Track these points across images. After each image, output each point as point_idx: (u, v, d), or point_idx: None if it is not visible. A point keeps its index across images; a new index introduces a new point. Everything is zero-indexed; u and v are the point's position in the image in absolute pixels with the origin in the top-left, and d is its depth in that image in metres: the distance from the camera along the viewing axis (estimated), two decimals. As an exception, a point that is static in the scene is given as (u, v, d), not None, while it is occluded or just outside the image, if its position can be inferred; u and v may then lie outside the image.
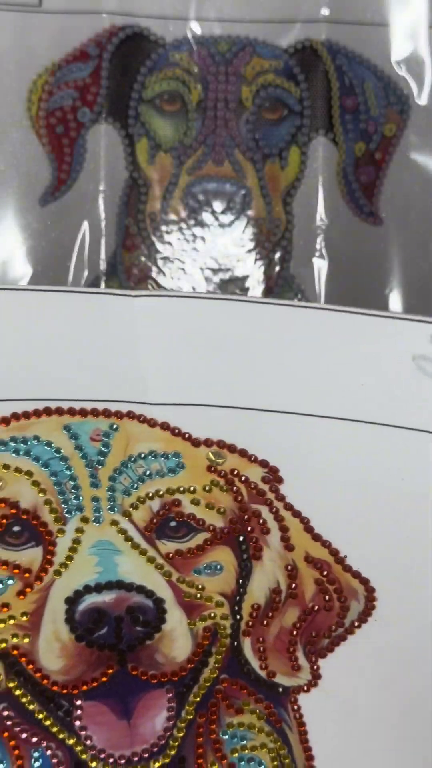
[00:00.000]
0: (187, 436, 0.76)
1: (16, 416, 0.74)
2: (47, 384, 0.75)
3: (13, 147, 1.06)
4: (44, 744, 0.73)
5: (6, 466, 0.74)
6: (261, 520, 0.75)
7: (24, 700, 0.73)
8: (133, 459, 0.74)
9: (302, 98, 1.12)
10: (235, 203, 1.12)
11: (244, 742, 0.74)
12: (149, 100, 1.12)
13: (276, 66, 1.11)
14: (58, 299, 0.78)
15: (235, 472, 0.76)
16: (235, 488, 0.75)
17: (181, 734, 0.73)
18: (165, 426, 0.75)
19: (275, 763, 0.74)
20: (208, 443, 0.76)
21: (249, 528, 0.75)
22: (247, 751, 0.74)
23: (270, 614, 0.75)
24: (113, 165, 1.10)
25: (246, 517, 0.75)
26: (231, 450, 0.76)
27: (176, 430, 0.75)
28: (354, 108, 1.12)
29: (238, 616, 0.75)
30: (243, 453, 0.76)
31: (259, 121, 1.12)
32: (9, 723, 0.73)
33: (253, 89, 1.11)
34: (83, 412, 0.75)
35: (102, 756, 0.73)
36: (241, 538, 0.75)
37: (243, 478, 0.76)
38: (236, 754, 0.74)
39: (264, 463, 0.76)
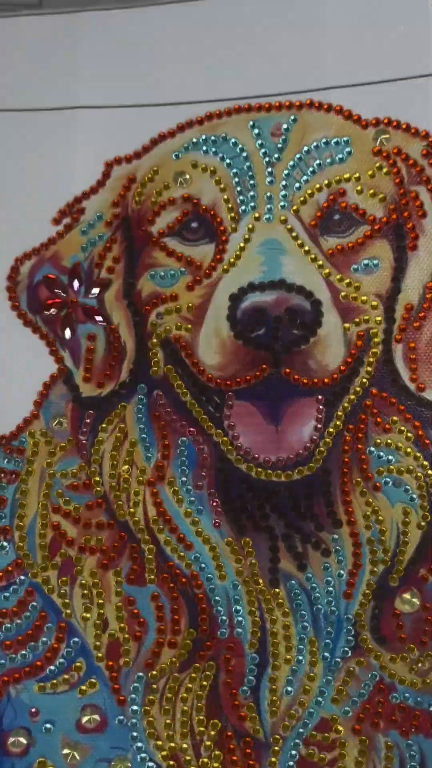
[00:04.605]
0: (356, 118, 0.77)
1: (210, 117, 0.78)
2: (236, 83, 0.78)
3: None
4: (193, 433, 0.73)
5: (194, 165, 0.77)
6: (418, 203, 0.76)
7: (179, 389, 0.74)
8: (306, 150, 0.76)
9: None
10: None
11: (391, 463, 0.73)
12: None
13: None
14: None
15: (397, 150, 0.77)
16: (396, 169, 0.76)
17: (328, 446, 0.73)
18: (338, 110, 0.77)
19: (421, 491, 0.73)
20: (375, 123, 0.77)
21: (406, 214, 0.76)
22: (393, 473, 0.73)
23: (422, 314, 0.75)
24: None
25: (405, 201, 0.76)
26: (396, 126, 0.77)
27: (348, 113, 0.77)
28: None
29: (391, 321, 0.75)
30: (407, 127, 0.77)
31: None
32: (162, 406, 0.74)
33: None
34: (268, 108, 0.78)
35: (248, 458, 0.73)
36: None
37: (404, 156, 0.77)
38: (383, 474, 0.73)
39: (426, 135, 0.77)
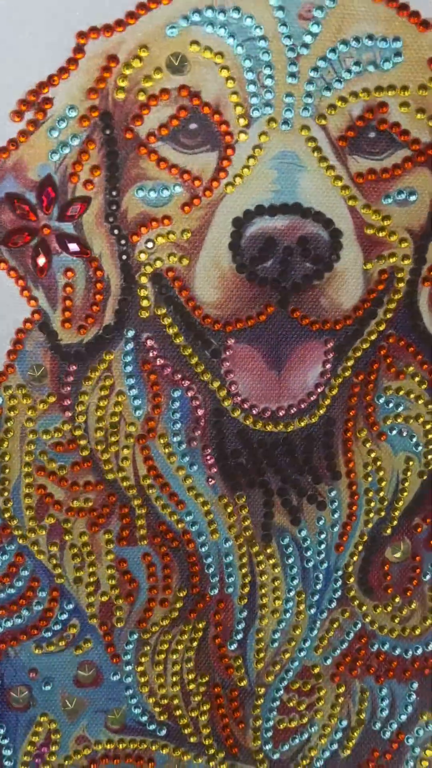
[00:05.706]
0: (415, 16, 0.61)
1: None
2: None
3: None
4: (186, 383, 0.64)
5: (196, 44, 0.59)
6: None
7: (171, 331, 0.63)
8: (344, 44, 0.60)
9: None
10: None
11: (399, 409, 0.67)
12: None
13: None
14: None
15: None
16: None
17: (334, 393, 0.66)
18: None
19: (429, 437, 0.68)
20: None
21: None
22: (400, 420, 0.67)
23: None
24: None
25: None
26: None
27: (403, 6, 0.61)
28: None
29: (421, 261, 0.65)
30: None
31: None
32: (152, 354, 0.63)
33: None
34: None
35: (245, 406, 0.65)
36: None
37: None
38: (388, 422, 0.67)
39: None
